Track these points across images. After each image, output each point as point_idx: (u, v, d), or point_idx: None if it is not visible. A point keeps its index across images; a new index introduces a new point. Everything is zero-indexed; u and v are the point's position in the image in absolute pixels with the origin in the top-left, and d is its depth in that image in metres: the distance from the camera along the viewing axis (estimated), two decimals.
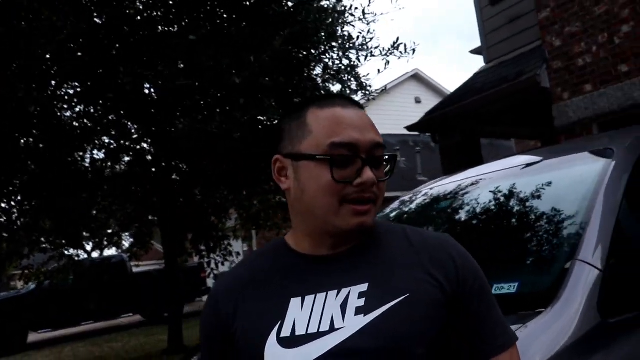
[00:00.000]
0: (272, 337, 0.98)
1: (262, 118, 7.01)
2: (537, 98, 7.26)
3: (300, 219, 1.07)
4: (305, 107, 1.07)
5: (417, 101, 20.85)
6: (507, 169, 2.73)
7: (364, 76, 7.76)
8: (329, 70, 7.32)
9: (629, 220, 1.94)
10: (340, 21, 7.03)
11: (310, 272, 1.04)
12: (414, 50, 7.61)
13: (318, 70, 7.43)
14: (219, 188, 8.03)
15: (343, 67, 7.35)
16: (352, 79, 7.58)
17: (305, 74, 7.08)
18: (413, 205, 2.90)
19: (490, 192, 2.49)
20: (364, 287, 0.99)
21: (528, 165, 2.77)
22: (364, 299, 0.98)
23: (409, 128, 9.51)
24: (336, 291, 1.00)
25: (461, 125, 8.61)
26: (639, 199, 2.03)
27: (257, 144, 6.54)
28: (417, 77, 21.97)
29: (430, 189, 2.99)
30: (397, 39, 7.58)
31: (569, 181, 2.28)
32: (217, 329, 1.08)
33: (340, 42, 7.13)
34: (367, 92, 8.03)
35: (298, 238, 1.09)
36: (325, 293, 1.00)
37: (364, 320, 0.95)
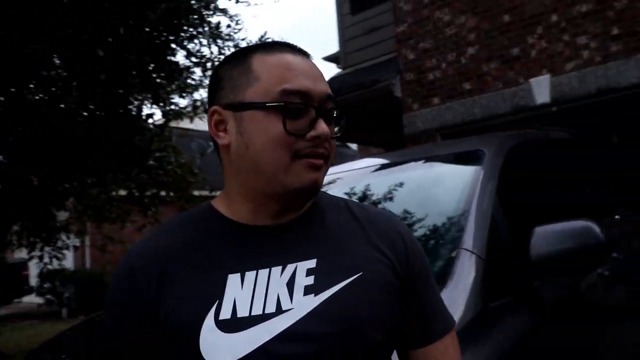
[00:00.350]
0: (209, 319, 0.85)
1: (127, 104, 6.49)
2: (391, 107, 7.68)
3: (240, 181, 0.93)
4: (249, 52, 0.94)
5: None
6: (375, 167, 2.86)
7: None
8: (192, 57, 7.09)
9: (499, 213, 2.12)
10: (212, 5, 6.83)
11: (249, 244, 0.91)
12: None
13: (181, 57, 7.17)
14: (63, 173, 7.32)
15: (207, 56, 7.16)
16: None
17: (169, 58, 6.76)
18: None
19: (363, 188, 2.59)
20: (311, 263, 0.89)
21: (392, 164, 2.91)
22: (312, 276, 0.88)
23: None
24: (281, 267, 0.89)
25: None
26: (507, 194, 2.22)
27: (114, 128, 6.08)
28: None
29: None
30: (265, 32, 7.59)
31: (446, 178, 2.44)
32: (135, 309, 0.88)
33: (208, 28, 6.92)
34: None
35: (234, 204, 0.95)
36: (268, 269, 0.89)
37: (314, 301, 0.86)
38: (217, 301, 0.86)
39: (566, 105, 6.24)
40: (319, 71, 0.94)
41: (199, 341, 0.83)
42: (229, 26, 7.34)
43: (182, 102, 7.85)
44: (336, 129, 0.96)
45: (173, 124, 8.04)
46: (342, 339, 0.85)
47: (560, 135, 3.58)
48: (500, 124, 6.63)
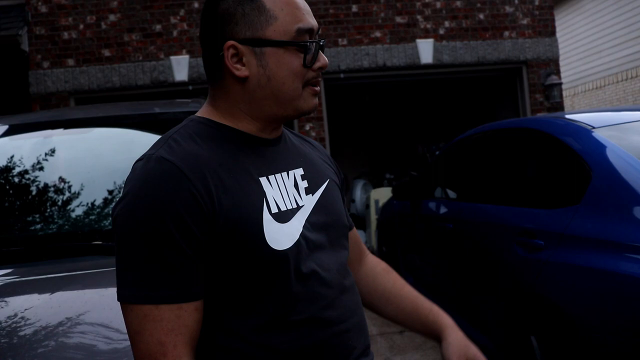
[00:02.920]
0: (266, 212, 0.98)
1: None
2: (12, 59, 6.93)
3: (257, 105, 1.04)
4: None
5: None
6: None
7: None
8: None
9: None
10: None
11: (263, 153, 1.05)
12: None
13: None
14: None
15: None
16: None
17: None
18: None
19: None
20: (300, 170, 1.10)
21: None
22: (305, 180, 1.10)
23: None
24: (286, 173, 1.07)
25: None
26: None
27: None
28: None
29: None
30: None
31: None
32: (196, 209, 0.91)
33: None
34: None
35: (241, 122, 1.05)
36: (279, 174, 1.05)
37: (313, 199, 1.09)
38: (264, 199, 0.99)
39: (202, 85, 6.86)
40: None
41: (263, 231, 0.96)
42: None
43: None
44: None
45: None
46: (332, 227, 1.11)
47: None
48: (139, 95, 6.83)
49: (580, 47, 16.08)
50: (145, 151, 1.00)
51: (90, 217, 2.32)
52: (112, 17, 6.92)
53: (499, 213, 3.03)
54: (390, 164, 11.37)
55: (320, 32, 1.11)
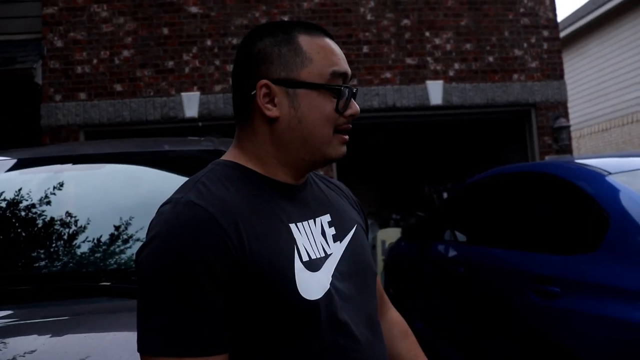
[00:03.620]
0: (297, 260, 0.95)
1: None
2: (26, 92, 6.99)
3: (284, 148, 1.02)
4: (293, 31, 1.02)
5: None
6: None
7: None
8: None
9: None
10: None
11: (290, 200, 1.03)
12: None
13: None
14: None
15: None
16: None
17: None
18: None
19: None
20: (328, 217, 1.07)
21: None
22: (333, 227, 1.07)
23: None
24: (313, 220, 1.04)
25: None
26: None
27: None
28: None
29: None
30: None
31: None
32: (227, 256, 0.88)
33: None
34: None
35: (268, 167, 1.03)
36: (307, 221, 1.03)
37: (341, 247, 1.05)
38: (295, 246, 0.96)
39: (212, 122, 6.89)
40: None
41: (295, 280, 0.93)
42: None
43: None
44: None
45: None
46: (364, 275, 1.08)
47: None
48: (149, 130, 6.85)
49: (586, 89, 16.17)
50: (169, 194, 0.98)
51: (96, 256, 2.28)
52: (125, 53, 7.01)
53: (512, 258, 2.97)
54: (397, 204, 11.33)
55: (353, 80, 1.09)
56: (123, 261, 2.26)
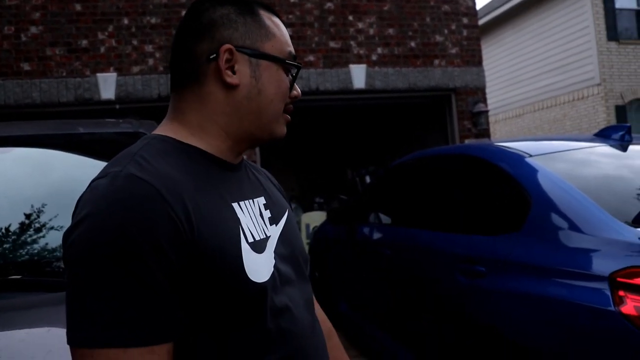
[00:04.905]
0: (244, 242, 0.90)
1: None
2: None
3: (237, 119, 0.97)
4: (255, 6, 1.01)
5: None
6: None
7: None
8: None
9: None
10: None
11: (229, 178, 0.98)
12: None
13: None
14: None
15: None
16: None
17: None
18: None
19: None
20: (263, 199, 1.03)
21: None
22: (269, 210, 1.03)
23: None
24: (251, 200, 1.00)
25: None
26: None
27: None
28: None
29: None
30: None
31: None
32: (175, 236, 0.80)
33: None
34: None
35: (211, 139, 0.97)
36: (247, 201, 0.98)
37: (277, 230, 1.02)
38: (240, 227, 0.91)
39: (130, 105, 6.60)
40: None
41: (243, 262, 0.87)
42: None
43: None
44: None
45: None
46: (298, 258, 1.05)
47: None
48: (61, 113, 6.48)
49: (502, 77, 16.84)
50: (83, 180, 0.87)
51: (5, 247, 2.11)
52: (33, 30, 6.57)
53: (438, 239, 3.01)
54: (320, 187, 11.37)
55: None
56: (35, 252, 2.11)
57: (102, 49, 6.65)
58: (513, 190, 2.60)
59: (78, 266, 0.77)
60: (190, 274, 0.81)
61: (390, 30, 7.60)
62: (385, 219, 4.13)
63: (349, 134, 11.54)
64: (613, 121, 13.29)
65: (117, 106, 6.62)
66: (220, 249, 0.85)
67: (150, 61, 6.71)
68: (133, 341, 0.75)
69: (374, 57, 7.52)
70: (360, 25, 7.51)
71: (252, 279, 0.87)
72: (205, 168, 0.94)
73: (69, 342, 0.76)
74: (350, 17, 7.48)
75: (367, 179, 9.74)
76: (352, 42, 7.45)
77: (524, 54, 15.84)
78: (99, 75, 6.57)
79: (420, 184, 3.75)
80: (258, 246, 0.93)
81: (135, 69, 6.69)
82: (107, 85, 6.57)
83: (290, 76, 1.02)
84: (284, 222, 1.06)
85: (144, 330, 0.76)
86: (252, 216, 0.96)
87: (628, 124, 3.08)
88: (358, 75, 7.30)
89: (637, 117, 14.03)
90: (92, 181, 0.85)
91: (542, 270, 2.24)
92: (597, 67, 13.57)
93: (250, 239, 0.92)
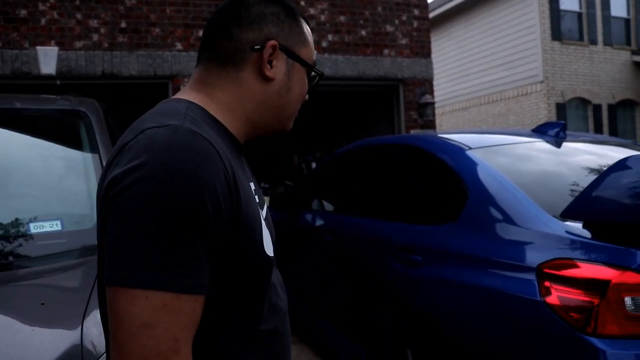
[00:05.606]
0: (261, 217, 0.98)
1: None
2: None
3: (265, 109, 1.06)
4: (297, 13, 1.10)
5: None
6: None
7: None
8: None
9: None
10: None
11: (241, 159, 1.05)
12: None
13: None
14: None
15: None
16: None
17: None
18: None
19: None
20: (253, 185, 1.07)
21: None
22: (257, 196, 1.07)
23: None
24: (252, 183, 1.07)
25: None
26: None
27: None
28: None
29: None
30: None
31: (56, 134, 2.39)
32: (229, 196, 0.85)
33: None
34: None
35: (236, 121, 1.03)
36: (251, 182, 1.05)
37: (263, 214, 1.07)
38: (257, 202, 1.00)
39: (72, 81, 6.38)
40: None
41: (262, 235, 0.95)
42: None
43: None
44: None
45: None
46: (275, 242, 1.11)
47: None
48: None
49: (450, 69, 17.14)
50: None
51: None
52: None
53: (378, 228, 3.05)
54: (266, 173, 11.33)
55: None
56: None
57: (43, 21, 6.38)
58: (452, 182, 2.65)
59: (138, 209, 0.78)
60: (226, 238, 0.86)
61: (342, 18, 7.60)
62: (328, 206, 4.16)
63: (296, 120, 11.49)
64: (554, 118, 13.77)
65: (58, 82, 6.38)
66: (253, 220, 0.92)
67: (95, 37, 6.49)
68: (186, 288, 0.79)
69: (324, 44, 7.51)
70: (312, 11, 7.47)
71: (267, 253, 0.96)
72: (230, 144, 1.00)
73: (115, 282, 0.78)
74: (302, 3, 7.44)
75: (313, 165, 9.76)
76: None
77: (472, 48, 16.15)
78: (38, 48, 6.31)
79: (363, 173, 3.78)
80: (266, 222, 1.01)
81: (79, 44, 6.46)
82: (48, 59, 6.31)
83: (312, 82, 1.14)
84: (267, 207, 1.14)
85: (196, 280, 0.80)
86: (257, 196, 1.04)
87: (563, 122, 3.19)
88: None
89: (575, 114, 14.58)
90: (144, 130, 0.85)
91: (475, 260, 2.30)
92: (541, 65, 13.99)
93: (263, 215, 1.01)
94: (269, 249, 0.98)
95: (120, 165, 0.82)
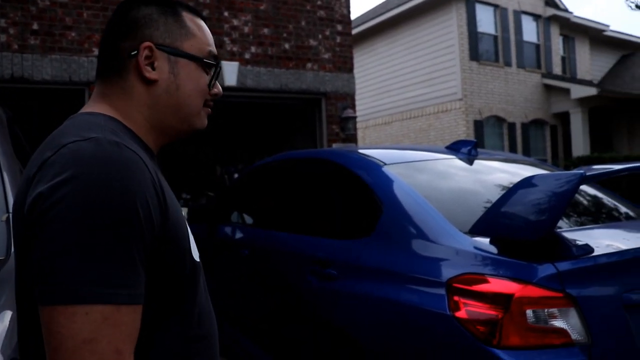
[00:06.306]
0: (186, 224, 0.99)
1: None
2: None
3: (158, 112, 1.04)
4: (178, 7, 1.08)
5: None
6: None
7: None
8: None
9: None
10: None
11: (156, 165, 1.04)
12: None
13: None
14: None
15: None
16: None
17: None
18: None
19: None
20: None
21: None
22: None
23: None
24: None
25: None
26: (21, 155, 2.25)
27: None
28: None
29: None
30: None
31: None
32: (157, 204, 0.87)
33: None
34: None
35: (141, 130, 1.04)
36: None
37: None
38: (181, 212, 0.98)
39: None
40: None
41: (189, 240, 0.97)
42: None
43: None
44: None
45: None
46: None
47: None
48: None
49: (373, 85, 17.50)
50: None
51: None
52: None
53: (294, 241, 3.03)
54: (188, 184, 11.10)
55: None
56: None
57: None
58: (367, 197, 2.68)
59: (70, 223, 0.77)
60: (157, 245, 0.86)
61: (266, 30, 7.59)
62: (247, 219, 4.10)
63: (219, 131, 11.37)
64: (472, 134, 14.32)
65: None
66: (180, 227, 0.93)
67: (3, 37, 6.14)
68: (125, 299, 0.78)
69: (247, 55, 7.47)
70: (235, 22, 7.42)
71: (194, 257, 0.97)
72: (144, 153, 0.97)
73: (51, 301, 0.76)
74: (226, 13, 7.37)
75: (235, 177, 9.66)
76: (225, 39, 7.34)
77: (395, 65, 16.58)
78: None
79: (282, 186, 3.76)
80: (189, 231, 1.01)
81: None
82: None
83: (209, 74, 1.09)
84: (185, 215, 1.10)
85: (135, 290, 0.80)
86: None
87: (474, 140, 3.30)
88: (230, 72, 7.20)
89: (492, 131, 15.24)
90: (65, 144, 0.84)
91: (390, 274, 2.32)
92: (459, 83, 14.55)
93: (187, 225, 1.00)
94: (195, 254, 0.99)
95: (44, 181, 0.80)
